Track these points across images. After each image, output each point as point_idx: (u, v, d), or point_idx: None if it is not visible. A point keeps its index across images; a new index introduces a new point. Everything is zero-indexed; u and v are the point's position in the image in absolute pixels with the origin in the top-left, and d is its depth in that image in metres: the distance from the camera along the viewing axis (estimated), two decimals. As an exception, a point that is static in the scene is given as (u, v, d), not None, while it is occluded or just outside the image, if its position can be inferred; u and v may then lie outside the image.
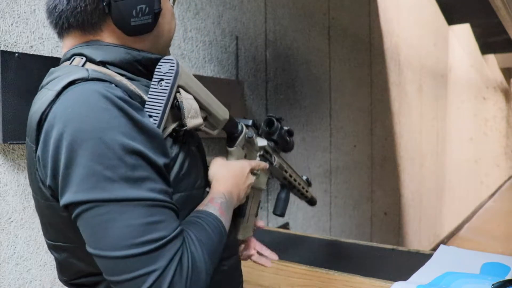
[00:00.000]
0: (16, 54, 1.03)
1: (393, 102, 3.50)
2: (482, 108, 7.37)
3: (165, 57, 0.66)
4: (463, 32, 5.80)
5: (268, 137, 1.01)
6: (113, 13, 0.65)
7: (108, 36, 0.69)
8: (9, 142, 1.01)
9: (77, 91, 0.59)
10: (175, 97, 0.65)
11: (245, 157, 0.90)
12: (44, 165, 0.60)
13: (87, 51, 0.67)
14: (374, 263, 1.24)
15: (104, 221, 0.56)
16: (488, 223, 5.97)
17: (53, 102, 0.60)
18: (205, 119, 0.74)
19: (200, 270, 0.61)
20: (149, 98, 0.65)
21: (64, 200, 0.57)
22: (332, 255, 1.33)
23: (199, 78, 1.70)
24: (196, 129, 0.72)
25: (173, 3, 0.77)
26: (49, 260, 1.13)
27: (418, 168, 4.13)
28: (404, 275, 1.07)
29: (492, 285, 0.95)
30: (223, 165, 0.82)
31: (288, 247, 1.44)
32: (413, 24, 3.97)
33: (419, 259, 1.20)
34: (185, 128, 0.67)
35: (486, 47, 6.68)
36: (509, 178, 9.60)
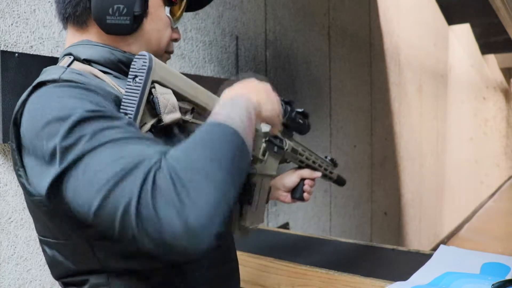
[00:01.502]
0: (16, 54, 1.03)
1: (393, 102, 3.51)
2: (482, 108, 7.37)
3: (139, 53, 0.65)
4: (463, 32, 5.80)
5: None
6: (92, 7, 0.68)
7: (95, 34, 0.71)
8: (9, 142, 1.01)
9: (40, 94, 0.62)
10: (150, 93, 0.65)
11: None
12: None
13: (75, 50, 0.70)
14: (374, 263, 1.23)
15: (75, 184, 0.53)
16: (488, 223, 5.97)
17: (25, 101, 0.62)
18: (192, 110, 0.73)
19: (191, 175, 0.50)
20: (124, 95, 0.65)
21: (41, 188, 0.57)
22: (332, 255, 1.33)
23: (199, 78, 1.69)
24: (183, 121, 0.71)
25: (173, 16, 0.76)
26: (49, 260, 1.13)
27: (418, 168, 4.13)
28: (404, 275, 1.07)
29: (492, 285, 0.95)
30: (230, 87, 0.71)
31: (288, 247, 1.44)
32: (413, 24, 3.97)
33: (419, 259, 1.20)
34: (162, 124, 0.66)
35: (486, 47, 6.68)
36: (509, 178, 9.60)
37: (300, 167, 1.13)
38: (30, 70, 1.05)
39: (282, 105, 0.93)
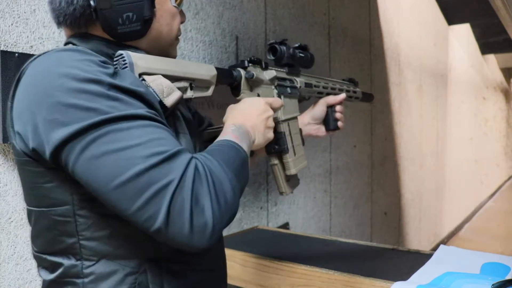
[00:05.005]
0: (16, 54, 1.03)
1: (393, 102, 3.50)
2: (482, 108, 7.36)
3: (116, 54, 0.65)
4: (463, 32, 5.80)
5: (279, 63, 0.98)
6: (100, 20, 0.66)
7: (98, 32, 0.70)
8: (9, 142, 1.01)
9: (51, 52, 0.61)
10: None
11: (259, 96, 0.89)
12: (22, 127, 0.60)
13: (75, 40, 0.70)
14: (374, 263, 1.23)
15: (100, 155, 0.54)
16: (488, 223, 5.97)
17: (28, 64, 0.62)
18: (191, 86, 0.74)
19: (221, 180, 0.59)
20: None
21: (53, 143, 0.56)
22: (332, 255, 1.33)
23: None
24: (185, 100, 0.73)
25: (176, 2, 0.76)
26: (49, 260, 1.13)
27: (418, 168, 4.13)
28: (404, 275, 1.06)
29: (492, 285, 0.95)
30: (233, 107, 0.82)
31: (288, 247, 1.44)
32: (413, 24, 3.97)
33: (419, 259, 1.20)
34: (167, 108, 0.67)
35: (486, 47, 6.68)
36: (509, 178, 9.59)
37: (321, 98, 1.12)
38: (30, 70, 1.05)
39: (276, 48, 0.97)
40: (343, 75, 2.74)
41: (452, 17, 4.95)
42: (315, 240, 1.50)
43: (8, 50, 1.03)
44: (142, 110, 0.58)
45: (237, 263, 1.31)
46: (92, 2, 0.65)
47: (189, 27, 1.61)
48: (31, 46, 1.09)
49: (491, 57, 7.94)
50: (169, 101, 0.66)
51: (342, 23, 2.70)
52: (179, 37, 0.80)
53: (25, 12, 1.08)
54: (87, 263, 0.64)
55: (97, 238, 0.63)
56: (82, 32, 0.70)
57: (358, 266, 1.17)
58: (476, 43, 6.50)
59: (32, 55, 1.07)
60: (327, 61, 2.55)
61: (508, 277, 1.00)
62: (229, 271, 1.35)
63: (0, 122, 1.00)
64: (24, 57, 1.04)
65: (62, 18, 0.68)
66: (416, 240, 4.06)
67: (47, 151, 0.57)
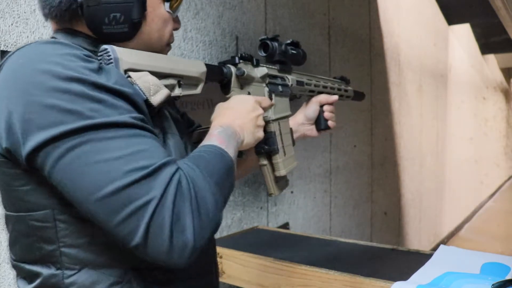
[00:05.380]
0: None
1: (393, 102, 3.50)
2: (482, 108, 7.36)
3: (100, 49, 0.61)
4: (463, 32, 5.80)
5: (270, 60, 0.96)
6: (86, 16, 0.63)
7: (85, 31, 0.66)
8: None
9: (34, 45, 0.57)
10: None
11: (249, 94, 0.86)
12: None
13: (58, 36, 0.66)
14: (374, 263, 1.23)
15: (80, 165, 0.51)
16: (488, 223, 5.97)
17: (8, 57, 0.58)
18: (179, 84, 0.70)
19: (205, 195, 0.56)
20: None
21: (29, 146, 0.52)
22: (332, 255, 1.33)
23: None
24: (173, 99, 0.69)
25: (171, 8, 0.72)
26: (49, 260, 1.13)
27: (418, 168, 4.13)
28: (404, 275, 1.06)
29: (492, 285, 0.95)
30: (221, 105, 0.79)
31: (288, 247, 1.44)
32: (413, 24, 3.97)
33: (419, 259, 1.20)
34: (153, 107, 0.63)
35: (486, 47, 6.68)
36: (509, 178, 9.59)
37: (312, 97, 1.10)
38: (30, 70, 1.05)
39: (267, 44, 0.94)
40: (343, 75, 2.74)
41: (452, 17, 4.95)
42: (315, 240, 1.50)
43: (8, 50, 1.03)
44: (126, 116, 0.54)
45: (237, 263, 1.31)
46: None
47: (189, 27, 1.61)
48: (31, 46, 1.09)
49: (491, 57, 7.94)
50: (156, 99, 0.62)
51: (342, 23, 2.70)
52: (171, 44, 0.76)
53: (25, 12, 1.08)
54: (68, 272, 0.59)
55: (79, 245, 0.59)
56: (67, 28, 0.66)
57: (358, 266, 1.17)
58: (476, 43, 6.50)
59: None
60: (327, 61, 2.55)
61: (508, 277, 1.00)
62: (229, 271, 1.36)
63: (0, 122, 1.00)
64: (24, 57, 1.04)
65: (48, 10, 0.65)
66: (416, 240, 4.06)
67: (22, 154, 0.53)
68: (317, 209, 2.42)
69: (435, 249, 1.26)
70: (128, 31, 0.65)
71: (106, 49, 0.60)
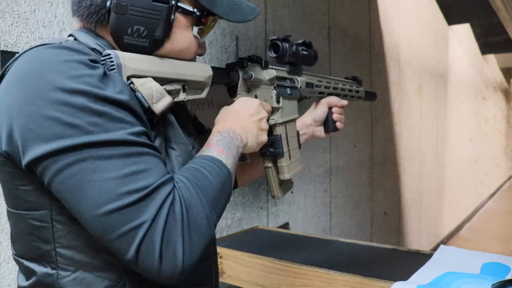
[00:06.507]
0: (16, 54, 1.03)
1: (393, 102, 3.50)
2: (482, 108, 7.36)
3: (104, 53, 0.62)
4: (463, 32, 5.80)
5: (280, 61, 0.94)
6: (111, 22, 0.63)
7: (106, 36, 0.67)
8: None
9: (39, 49, 0.57)
10: (131, 89, 0.61)
11: (256, 98, 0.85)
12: None
13: (76, 33, 0.67)
14: (374, 263, 1.24)
15: (77, 182, 0.52)
16: (488, 223, 5.97)
17: (14, 60, 0.58)
18: (183, 88, 0.70)
19: (198, 216, 0.57)
20: None
21: (29, 157, 0.53)
22: (332, 255, 1.33)
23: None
24: (177, 103, 0.69)
25: (200, 34, 0.71)
26: (49, 260, 1.13)
27: (418, 168, 4.13)
28: (404, 275, 1.07)
29: (492, 285, 0.95)
30: (226, 108, 0.79)
31: (288, 247, 1.44)
32: (413, 24, 3.97)
33: (419, 259, 1.20)
34: (155, 115, 0.63)
35: (486, 47, 6.68)
36: (509, 178, 9.59)
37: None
38: (30, 70, 1.04)
39: (278, 45, 0.93)
40: (343, 75, 2.74)
41: (452, 17, 4.95)
42: (315, 240, 1.51)
43: (8, 50, 1.03)
44: (126, 132, 0.54)
45: (237, 263, 1.31)
46: (108, 3, 0.63)
47: (189, 27, 1.61)
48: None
49: (491, 57, 7.94)
50: (158, 107, 0.63)
51: (342, 23, 2.70)
52: None
53: (25, 12, 1.08)
54: (63, 273, 0.60)
55: (75, 246, 0.60)
56: (89, 29, 0.67)
57: (358, 266, 1.17)
58: (476, 43, 6.50)
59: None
60: (327, 61, 2.55)
61: (508, 277, 1.00)
62: (229, 271, 1.36)
63: (0, 122, 0.99)
64: (24, 57, 1.04)
65: (77, 7, 0.66)
66: (416, 240, 4.06)
67: (22, 162, 0.54)
68: (317, 209, 2.42)
69: (435, 249, 1.26)
70: (148, 46, 0.66)
71: (109, 54, 0.61)
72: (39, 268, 0.61)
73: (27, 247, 0.62)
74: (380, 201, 3.29)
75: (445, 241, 4.84)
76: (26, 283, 0.63)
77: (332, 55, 2.59)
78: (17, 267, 1.06)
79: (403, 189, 3.74)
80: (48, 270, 0.61)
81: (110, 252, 0.58)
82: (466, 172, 6.18)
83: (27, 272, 0.64)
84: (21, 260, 0.64)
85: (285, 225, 2.11)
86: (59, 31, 1.15)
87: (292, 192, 2.16)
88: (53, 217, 0.59)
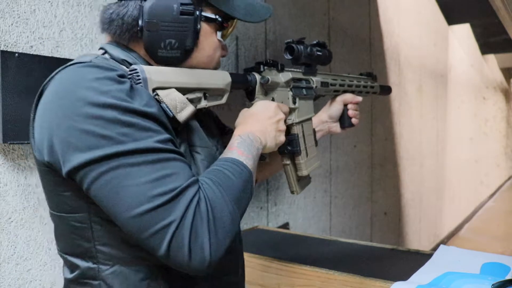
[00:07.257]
0: (16, 54, 1.03)
1: (393, 102, 3.50)
2: (482, 108, 7.37)
3: (130, 68, 0.67)
4: (463, 32, 5.80)
5: (296, 63, 0.98)
6: (144, 39, 0.70)
7: (138, 50, 0.73)
8: (9, 142, 1.01)
9: (72, 68, 0.63)
10: (156, 101, 0.67)
11: (273, 100, 0.89)
12: (40, 140, 0.63)
13: (107, 47, 0.73)
14: (374, 263, 1.24)
15: (112, 187, 0.58)
16: (488, 223, 5.97)
17: (51, 78, 0.64)
18: (204, 96, 0.75)
19: (222, 214, 0.62)
20: None
21: (68, 166, 0.59)
22: (332, 255, 1.33)
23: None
24: (199, 110, 0.74)
25: (223, 37, 0.78)
26: (49, 260, 1.13)
27: (418, 168, 4.13)
28: (404, 275, 1.07)
29: (492, 285, 0.95)
30: (244, 111, 0.84)
31: (288, 247, 1.44)
32: (413, 24, 3.97)
33: (419, 259, 1.20)
34: (180, 124, 0.69)
35: (486, 47, 6.68)
36: (509, 178, 9.60)
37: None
38: (30, 70, 1.05)
39: (293, 47, 0.96)
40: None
41: (452, 17, 4.95)
42: (315, 240, 1.51)
43: (8, 50, 1.03)
44: (154, 140, 0.60)
45: (237, 263, 1.31)
46: (140, 22, 0.68)
47: (189, 27, 1.61)
48: (31, 46, 1.09)
49: (491, 57, 7.95)
50: (182, 116, 0.68)
51: (342, 23, 2.70)
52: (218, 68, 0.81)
53: (25, 12, 1.08)
54: (103, 267, 0.67)
55: (111, 243, 0.67)
56: (121, 43, 0.73)
57: (358, 266, 1.17)
58: (476, 43, 6.50)
59: (32, 55, 1.07)
60: (327, 61, 2.55)
61: (508, 277, 1.00)
62: (229, 271, 1.36)
63: (0, 122, 1.00)
64: (24, 57, 1.04)
65: (108, 26, 0.71)
66: (416, 240, 4.06)
67: (63, 170, 0.60)
68: (317, 209, 2.42)
69: (435, 249, 1.26)
70: (179, 56, 0.72)
71: (136, 69, 0.66)
72: (82, 263, 0.68)
73: (70, 245, 0.69)
74: (380, 201, 3.29)
75: (445, 241, 4.84)
76: (70, 276, 0.70)
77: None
78: (17, 267, 1.06)
79: (403, 189, 3.74)
80: (90, 264, 0.68)
81: (142, 248, 0.62)
82: (466, 172, 6.18)
83: (71, 266, 0.71)
84: (65, 256, 0.71)
85: (285, 225, 2.11)
86: (59, 31, 1.15)
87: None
88: (91, 218, 0.66)
